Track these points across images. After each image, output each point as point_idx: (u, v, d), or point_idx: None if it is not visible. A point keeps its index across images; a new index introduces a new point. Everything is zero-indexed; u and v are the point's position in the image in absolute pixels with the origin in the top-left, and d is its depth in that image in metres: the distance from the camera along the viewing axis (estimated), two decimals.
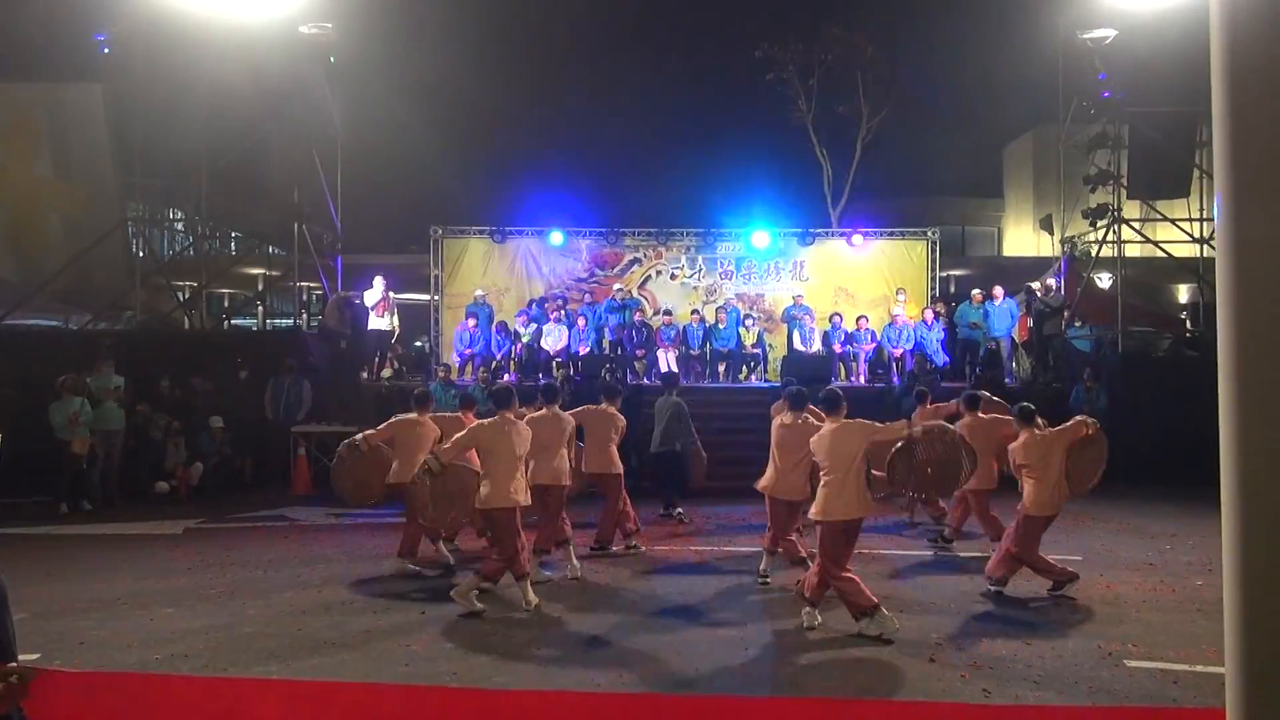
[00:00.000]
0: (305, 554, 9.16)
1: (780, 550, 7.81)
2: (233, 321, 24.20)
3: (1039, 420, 7.56)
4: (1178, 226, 16.93)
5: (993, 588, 7.48)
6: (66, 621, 6.73)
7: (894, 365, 15.65)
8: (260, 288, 24.08)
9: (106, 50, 16.35)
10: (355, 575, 8.17)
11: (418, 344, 19.14)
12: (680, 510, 11.03)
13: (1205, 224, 16.72)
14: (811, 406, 7.52)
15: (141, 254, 18.84)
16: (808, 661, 5.88)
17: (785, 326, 16.65)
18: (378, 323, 15.75)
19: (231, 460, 13.49)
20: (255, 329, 23.56)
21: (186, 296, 18.12)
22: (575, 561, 8.13)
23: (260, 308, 23.36)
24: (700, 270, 18.14)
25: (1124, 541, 9.76)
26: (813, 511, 6.60)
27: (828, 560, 6.51)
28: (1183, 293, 26.91)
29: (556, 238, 17.82)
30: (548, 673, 5.70)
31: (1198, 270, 17.40)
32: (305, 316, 21.21)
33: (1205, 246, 16.71)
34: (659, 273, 18.19)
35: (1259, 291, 3.43)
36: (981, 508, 8.70)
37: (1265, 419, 3.42)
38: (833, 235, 18.80)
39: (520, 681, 5.53)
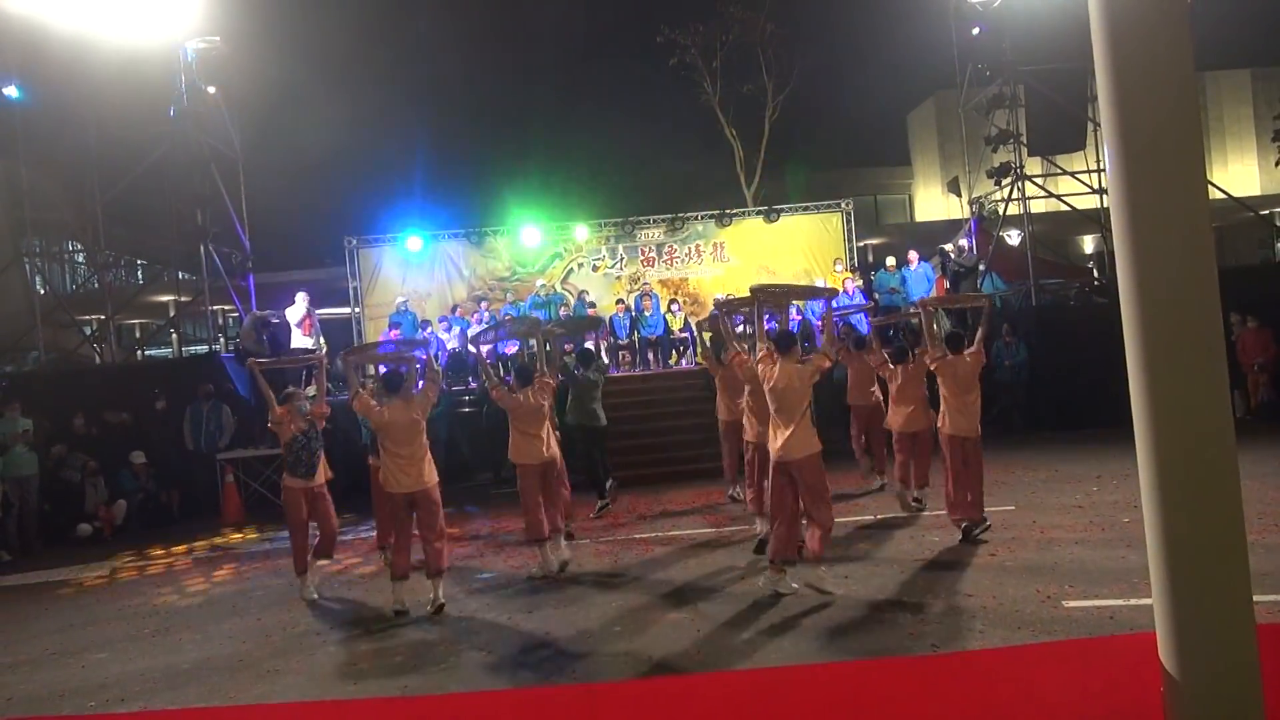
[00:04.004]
0: (241, 583, 8.91)
1: None
2: (146, 351, 23.44)
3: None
4: (1077, 179, 17.48)
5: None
6: None
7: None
8: (172, 314, 23.35)
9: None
10: (295, 599, 7.95)
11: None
12: (613, 494, 10.69)
13: (1103, 174, 17.27)
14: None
15: (42, 290, 18.10)
16: (757, 632, 5.91)
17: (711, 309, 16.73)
18: (303, 341, 15.30)
19: (156, 495, 13.04)
20: (170, 357, 22.84)
21: (94, 330, 17.45)
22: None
23: (174, 335, 22.67)
24: (622, 259, 18.15)
25: (1053, 487, 10.04)
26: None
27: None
28: (1088, 243, 27.81)
29: (473, 239, 17.65)
30: (500, 674, 5.63)
31: (1100, 220, 17.99)
32: (223, 340, 20.61)
33: (1105, 197, 17.27)
34: (581, 265, 18.15)
35: (1154, 250, 3.56)
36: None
37: (1168, 372, 3.56)
38: (749, 214, 18.97)
39: (475, 687, 5.45)
